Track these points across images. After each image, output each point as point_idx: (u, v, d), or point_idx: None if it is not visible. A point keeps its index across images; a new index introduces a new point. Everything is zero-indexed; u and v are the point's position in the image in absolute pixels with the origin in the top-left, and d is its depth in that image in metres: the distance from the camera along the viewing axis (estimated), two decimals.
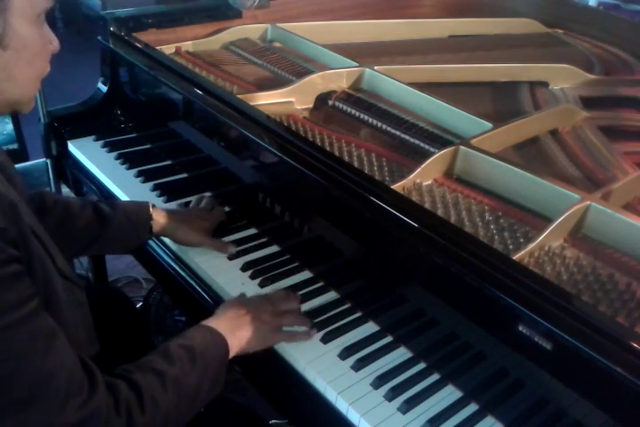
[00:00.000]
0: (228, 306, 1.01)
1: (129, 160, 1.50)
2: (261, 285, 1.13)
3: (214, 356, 0.91)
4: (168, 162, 1.51)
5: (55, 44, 0.81)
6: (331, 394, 0.93)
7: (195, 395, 0.87)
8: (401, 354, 1.00)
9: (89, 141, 1.60)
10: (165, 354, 0.87)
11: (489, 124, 1.18)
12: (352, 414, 0.90)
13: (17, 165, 1.90)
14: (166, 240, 1.25)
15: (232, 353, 0.94)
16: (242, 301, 1.03)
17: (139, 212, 1.17)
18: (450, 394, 0.94)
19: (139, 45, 1.47)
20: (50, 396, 0.71)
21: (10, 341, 0.69)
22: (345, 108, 1.33)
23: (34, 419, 0.71)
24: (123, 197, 1.38)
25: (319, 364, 0.97)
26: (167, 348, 0.88)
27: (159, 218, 1.18)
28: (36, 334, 0.71)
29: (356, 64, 1.42)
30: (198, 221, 1.21)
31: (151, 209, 1.18)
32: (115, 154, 1.53)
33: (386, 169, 1.14)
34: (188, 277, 1.19)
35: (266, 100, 1.32)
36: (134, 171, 1.46)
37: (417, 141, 1.21)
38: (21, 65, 0.76)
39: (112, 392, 0.77)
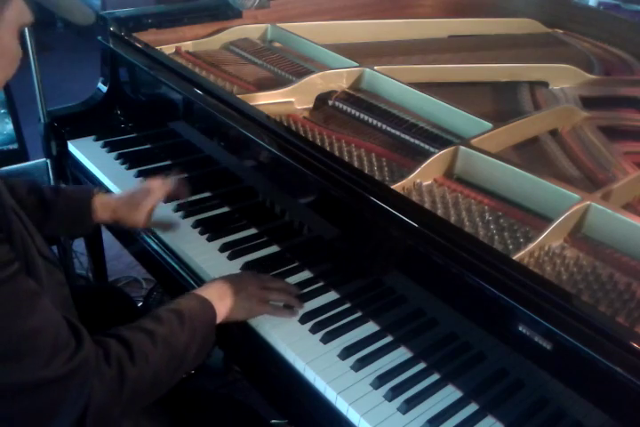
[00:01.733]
0: (216, 279, 1.05)
1: (129, 160, 1.50)
2: None
3: (202, 320, 0.94)
4: (168, 162, 1.51)
5: (20, 53, 0.83)
6: (330, 394, 0.93)
7: (183, 355, 0.89)
8: (401, 354, 1.00)
9: (89, 141, 1.60)
10: (155, 316, 0.90)
11: (489, 125, 1.18)
12: (352, 414, 0.90)
13: (17, 165, 1.91)
14: (166, 240, 1.26)
15: (219, 319, 0.97)
16: (229, 275, 1.06)
17: (80, 200, 1.18)
18: (450, 394, 0.94)
19: (139, 45, 1.47)
20: (35, 352, 0.73)
21: None
22: (345, 108, 1.33)
23: (18, 373, 0.72)
24: None
25: (319, 364, 0.97)
26: (156, 311, 0.91)
27: (101, 207, 1.18)
28: (18, 294, 0.73)
29: (356, 64, 1.42)
30: (138, 201, 1.20)
31: (95, 197, 1.18)
32: (115, 154, 1.54)
33: (386, 169, 1.14)
34: (188, 278, 1.19)
35: (266, 100, 1.32)
36: (134, 171, 1.47)
37: (417, 141, 1.21)
38: None
39: (102, 347, 0.79)
